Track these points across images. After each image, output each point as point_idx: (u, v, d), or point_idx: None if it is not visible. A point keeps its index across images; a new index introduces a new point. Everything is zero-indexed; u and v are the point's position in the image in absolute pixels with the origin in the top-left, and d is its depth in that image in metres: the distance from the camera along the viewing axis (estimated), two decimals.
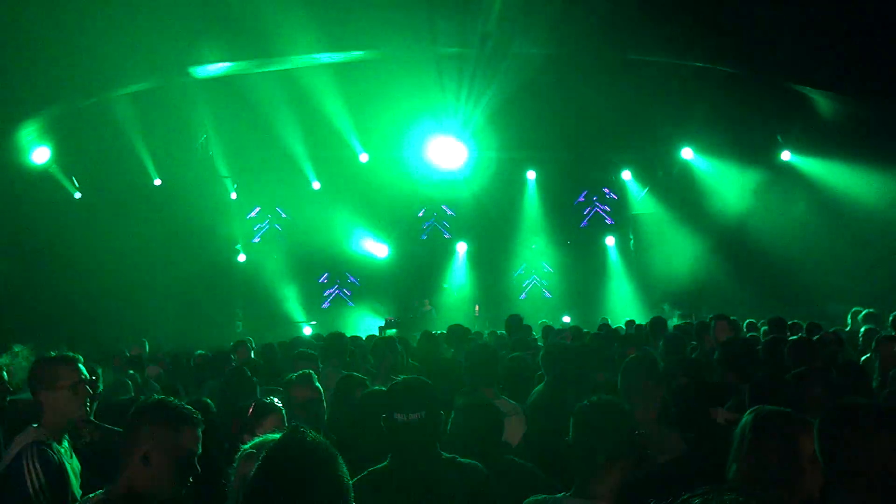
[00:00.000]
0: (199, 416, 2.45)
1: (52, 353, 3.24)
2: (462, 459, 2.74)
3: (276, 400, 3.76)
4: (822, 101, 12.27)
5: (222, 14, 9.59)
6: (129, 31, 9.36)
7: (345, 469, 1.76)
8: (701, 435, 3.46)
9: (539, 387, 4.97)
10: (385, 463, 2.71)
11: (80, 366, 3.18)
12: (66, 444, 3.10)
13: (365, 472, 2.64)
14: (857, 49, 9.58)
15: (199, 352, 8.70)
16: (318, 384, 4.17)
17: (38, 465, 2.82)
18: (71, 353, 3.23)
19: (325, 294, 18.91)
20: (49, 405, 3.03)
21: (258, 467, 1.75)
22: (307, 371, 4.26)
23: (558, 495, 2.43)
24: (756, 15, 9.06)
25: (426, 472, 2.62)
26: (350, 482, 1.75)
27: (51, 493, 2.81)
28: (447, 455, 2.73)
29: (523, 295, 18.44)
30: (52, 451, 2.92)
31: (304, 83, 12.20)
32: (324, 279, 18.95)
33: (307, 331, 16.03)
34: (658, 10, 9.39)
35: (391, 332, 12.36)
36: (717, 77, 11.82)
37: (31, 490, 2.76)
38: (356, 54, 11.78)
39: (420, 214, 18.60)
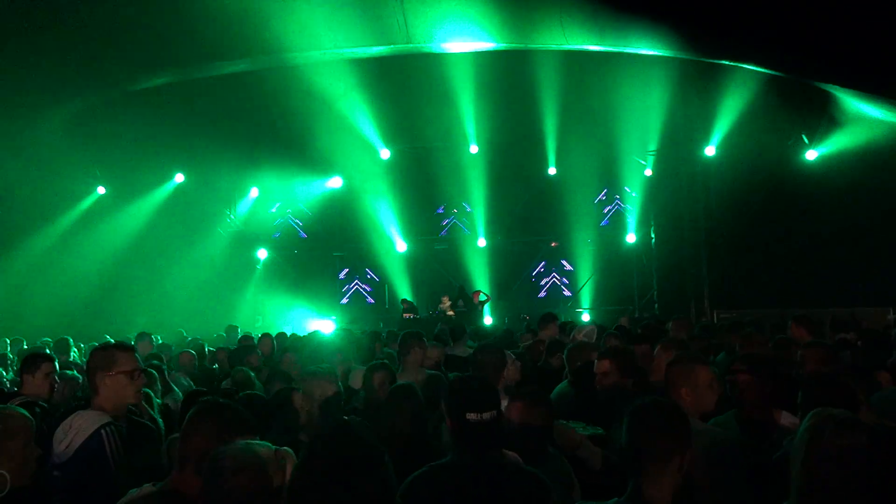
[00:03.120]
0: (256, 422, 2.36)
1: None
2: (525, 467, 2.70)
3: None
4: (848, 100, 12.04)
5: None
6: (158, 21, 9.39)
7: (391, 468, 1.71)
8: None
9: (562, 385, 4.93)
10: (445, 460, 2.65)
11: (137, 355, 3.35)
12: None
13: (425, 468, 2.60)
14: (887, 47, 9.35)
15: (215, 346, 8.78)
16: (339, 383, 4.14)
17: (116, 439, 2.99)
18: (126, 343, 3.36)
19: (344, 290, 19.01)
20: (106, 387, 3.14)
21: (302, 460, 1.72)
22: (330, 367, 4.23)
23: (611, 501, 2.31)
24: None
25: (491, 472, 2.57)
26: (395, 482, 1.71)
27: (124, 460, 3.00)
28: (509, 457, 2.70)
29: (542, 293, 18.35)
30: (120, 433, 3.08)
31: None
32: (342, 275, 19.04)
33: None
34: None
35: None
36: (741, 75, 11.65)
37: (109, 455, 2.94)
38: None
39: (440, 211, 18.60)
